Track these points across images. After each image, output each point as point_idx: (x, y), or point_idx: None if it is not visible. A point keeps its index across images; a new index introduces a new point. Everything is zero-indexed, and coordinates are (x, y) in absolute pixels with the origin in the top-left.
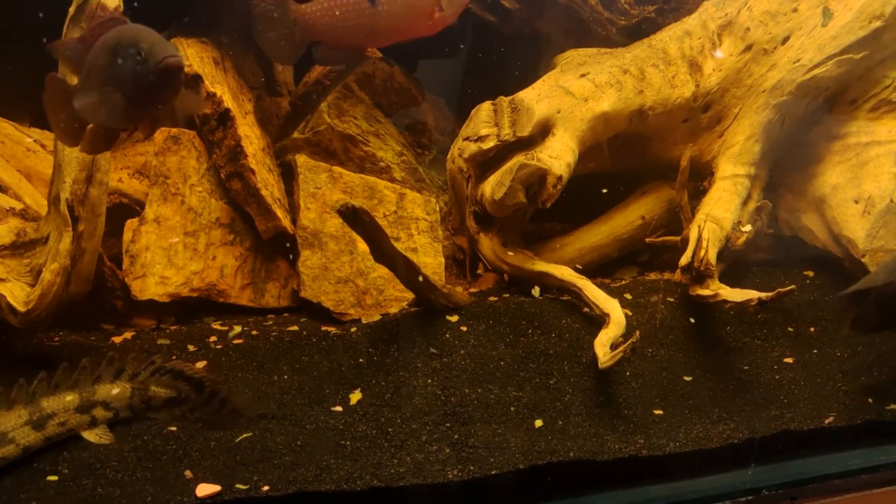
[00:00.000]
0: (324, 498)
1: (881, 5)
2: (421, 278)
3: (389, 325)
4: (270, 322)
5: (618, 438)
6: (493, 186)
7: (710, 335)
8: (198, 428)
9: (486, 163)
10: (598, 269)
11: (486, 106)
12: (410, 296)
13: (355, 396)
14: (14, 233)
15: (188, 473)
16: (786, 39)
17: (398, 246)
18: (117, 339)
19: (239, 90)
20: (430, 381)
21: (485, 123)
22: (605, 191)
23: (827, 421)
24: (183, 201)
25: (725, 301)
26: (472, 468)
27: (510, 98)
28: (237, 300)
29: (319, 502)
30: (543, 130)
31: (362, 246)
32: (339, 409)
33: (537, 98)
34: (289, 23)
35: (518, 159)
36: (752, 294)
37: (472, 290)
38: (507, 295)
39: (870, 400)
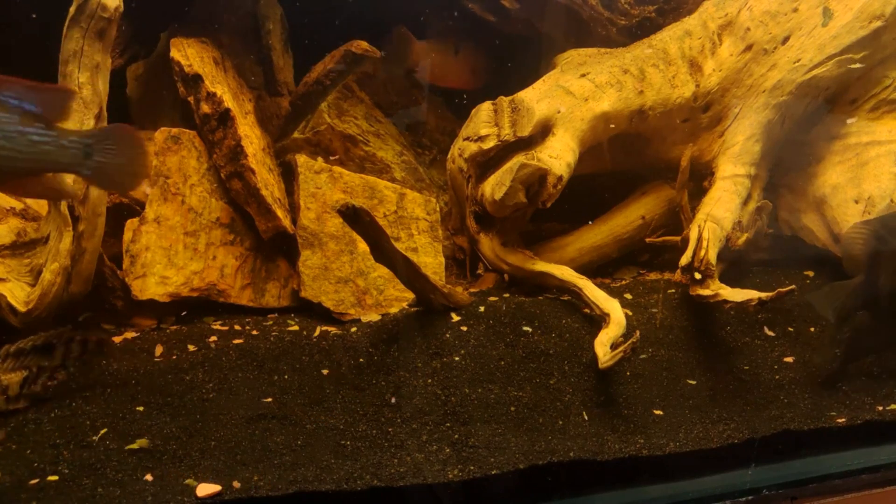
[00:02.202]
0: (324, 498)
1: (881, 5)
2: (421, 278)
3: (389, 325)
4: (270, 322)
5: (618, 438)
6: (493, 186)
7: (710, 335)
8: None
9: (486, 163)
10: (598, 269)
11: (487, 106)
12: (410, 296)
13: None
14: (14, 232)
15: (191, 481)
16: (786, 39)
17: (398, 246)
18: (117, 339)
19: (239, 90)
20: (430, 381)
21: (485, 123)
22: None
23: (839, 420)
24: (183, 201)
25: (725, 301)
26: (472, 468)
27: (510, 98)
28: (237, 300)
29: (319, 502)
30: (544, 130)
31: (362, 246)
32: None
33: (537, 98)
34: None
35: (518, 159)
36: (752, 294)
37: (472, 290)
38: (508, 295)
39: (870, 400)
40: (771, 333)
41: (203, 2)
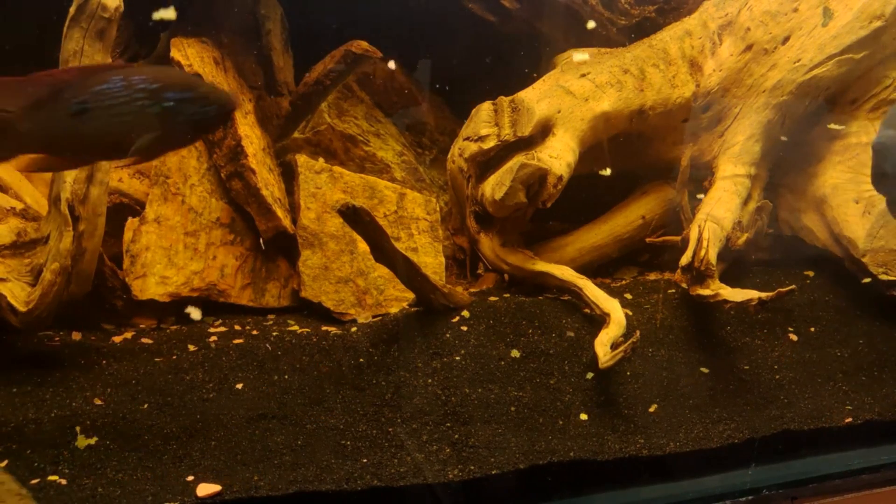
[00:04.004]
0: (324, 498)
1: (881, 5)
2: (421, 278)
3: (389, 325)
4: (270, 322)
5: (618, 438)
6: (493, 186)
7: (710, 335)
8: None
9: (486, 163)
10: (598, 269)
11: (487, 106)
12: (410, 296)
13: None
14: (14, 232)
15: (190, 477)
16: (786, 39)
17: (398, 246)
18: (117, 339)
19: (239, 90)
20: (430, 380)
21: (485, 123)
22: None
23: (846, 420)
24: (183, 201)
25: (725, 301)
26: (472, 468)
27: (510, 98)
28: (237, 300)
29: (319, 502)
30: (544, 130)
31: (363, 246)
32: None
33: (538, 98)
34: None
35: (518, 159)
36: (753, 294)
37: (473, 290)
38: (508, 295)
39: (870, 400)
40: (771, 333)
41: (203, 2)
